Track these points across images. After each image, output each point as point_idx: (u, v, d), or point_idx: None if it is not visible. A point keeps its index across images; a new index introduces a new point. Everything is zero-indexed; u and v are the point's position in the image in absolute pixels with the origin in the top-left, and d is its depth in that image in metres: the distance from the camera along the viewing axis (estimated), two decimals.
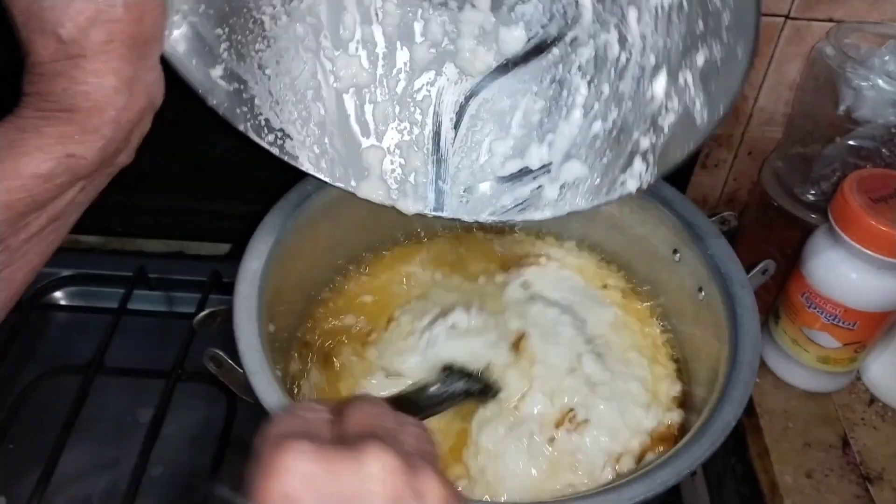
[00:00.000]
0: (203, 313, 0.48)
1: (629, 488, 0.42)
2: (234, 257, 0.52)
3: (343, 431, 0.32)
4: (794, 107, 0.69)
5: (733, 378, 0.47)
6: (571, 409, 0.54)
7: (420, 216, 0.54)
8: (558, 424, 0.54)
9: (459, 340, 0.56)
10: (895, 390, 0.66)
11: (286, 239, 0.53)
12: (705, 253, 0.55)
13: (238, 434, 0.62)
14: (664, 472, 0.42)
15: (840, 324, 0.61)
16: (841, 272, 0.59)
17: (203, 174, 0.69)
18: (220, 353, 0.45)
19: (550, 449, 0.53)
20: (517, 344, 0.58)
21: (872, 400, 0.66)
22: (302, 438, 0.30)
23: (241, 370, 0.44)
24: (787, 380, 0.67)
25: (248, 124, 0.47)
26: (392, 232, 0.65)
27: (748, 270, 0.55)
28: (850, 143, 0.62)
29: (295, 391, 0.55)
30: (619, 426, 0.53)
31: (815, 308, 0.61)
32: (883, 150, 0.61)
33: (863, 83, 0.59)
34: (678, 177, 0.73)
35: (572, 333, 0.58)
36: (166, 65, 0.43)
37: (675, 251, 0.59)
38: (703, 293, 0.56)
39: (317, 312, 0.60)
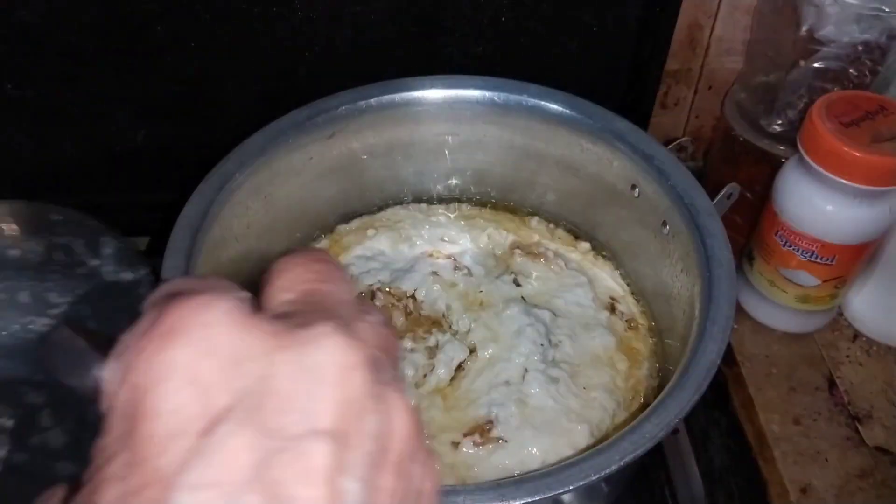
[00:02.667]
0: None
1: (616, 447, 0.39)
2: (156, 251, 0.47)
3: (273, 300, 0.22)
4: (753, 32, 0.65)
5: (711, 313, 0.43)
6: (490, 422, 0.50)
7: None
8: (468, 433, 0.50)
9: None
10: (879, 323, 0.63)
11: (212, 226, 0.48)
12: (666, 184, 0.51)
13: None
14: (650, 425, 0.39)
15: (818, 260, 0.57)
16: (815, 205, 0.55)
17: (116, 164, 0.64)
18: None
19: (452, 455, 0.48)
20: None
21: (856, 335, 0.63)
22: (221, 295, 0.20)
23: None
24: (767, 323, 0.63)
25: None
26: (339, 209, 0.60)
27: (712, 197, 0.52)
28: (816, 65, 0.58)
29: None
30: (536, 462, 0.48)
31: (790, 246, 0.58)
32: (850, 71, 0.57)
33: (823, 0, 0.55)
34: (636, 118, 0.70)
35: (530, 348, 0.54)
36: None
37: (633, 186, 0.54)
38: (667, 227, 0.52)
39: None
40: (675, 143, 0.56)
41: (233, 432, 0.18)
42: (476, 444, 0.48)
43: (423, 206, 0.63)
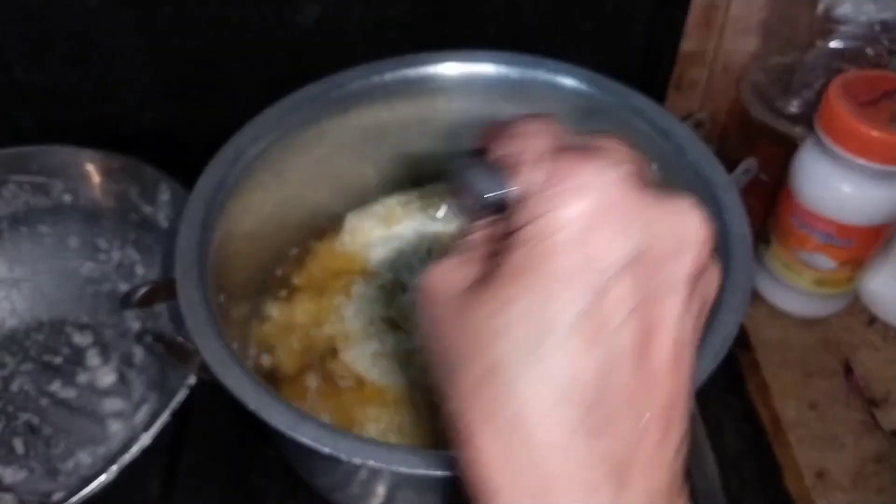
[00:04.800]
0: (145, 289, 0.43)
1: None
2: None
3: None
4: (769, 12, 0.64)
5: (729, 285, 0.43)
6: None
7: None
8: None
9: None
10: (895, 307, 0.62)
11: (227, 200, 0.48)
12: (684, 160, 0.51)
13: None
14: None
15: (834, 242, 0.56)
16: (832, 186, 0.55)
17: (124, 147, 0.64)
18: (168, 330, 0.40)
19: None
20: None
21: (872, 320, 0.63)
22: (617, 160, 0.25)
23: (192, 347, 0.39)
24: (783, 308, 0.63)
25: None
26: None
27: (729, 171, 0.51)
28: (833, 45, 0.57)
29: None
30: None
31: (806, 228, 0.57)
32: (867, 50, 0.57)
33: None
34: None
35: None
36: None
37: (650, 163, 0.54)
38: None
39: (275, 282, 0.56)
40: (691, 118, 0.55)
41: (619, 278, 0.23)
42: None
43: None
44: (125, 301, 0.43)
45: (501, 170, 0.25)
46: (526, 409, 0.23)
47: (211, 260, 0.44)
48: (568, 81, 0.54)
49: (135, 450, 0.43)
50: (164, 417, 0.44)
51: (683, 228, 0.24)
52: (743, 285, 0.43)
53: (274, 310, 0.55)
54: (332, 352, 0.54)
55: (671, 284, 0.24)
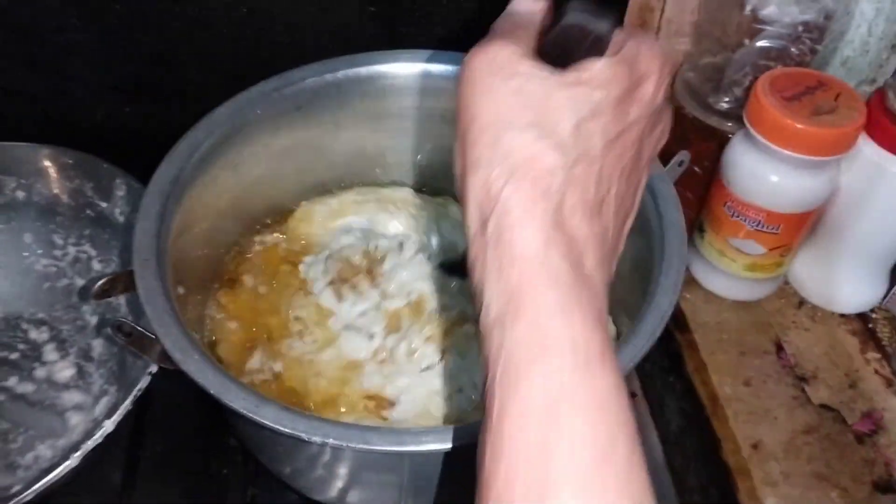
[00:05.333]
0: (101, 281, 0.44)
1: None
2: None
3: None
4: (700, 14, 0.67)
5: (664, 267, 0.46)
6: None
7: None
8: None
9: None
10: (822, 290, 0.66)
11: (183, 194, 0.49)
12: None
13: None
14: None
15: (764, 229, 0.60)
16: (761, 176, 0.58)
17: (77, 144, 0.64)
18: (128, 321, 0.41)
19: None
20: None
21: (802, 302, 0.67)
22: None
23: (153, 336, 0.40)
24: (718, 292, 0.66)
25: None
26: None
27: (664, 164, 0.55)
28: (760, 45, 0.61)
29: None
30: None
31: (738, 216, 0.61)
32: (792, 49, 0.60)
33: None
34: None
35: None
36: None
37: None
38: None
39: (228, 272, 0.57)
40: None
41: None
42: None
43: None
44: (83, 293, 0.44)
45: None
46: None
47: (168, 252, 0.45)
48: None
49: (97, 436, 0.44)
50: (126, 405, 0.45)
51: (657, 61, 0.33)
52: (676, 266, 0.46)
53: (225, 299, 0.56)
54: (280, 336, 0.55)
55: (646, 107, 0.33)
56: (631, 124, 0.32)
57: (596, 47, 0.31)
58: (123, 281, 0.44)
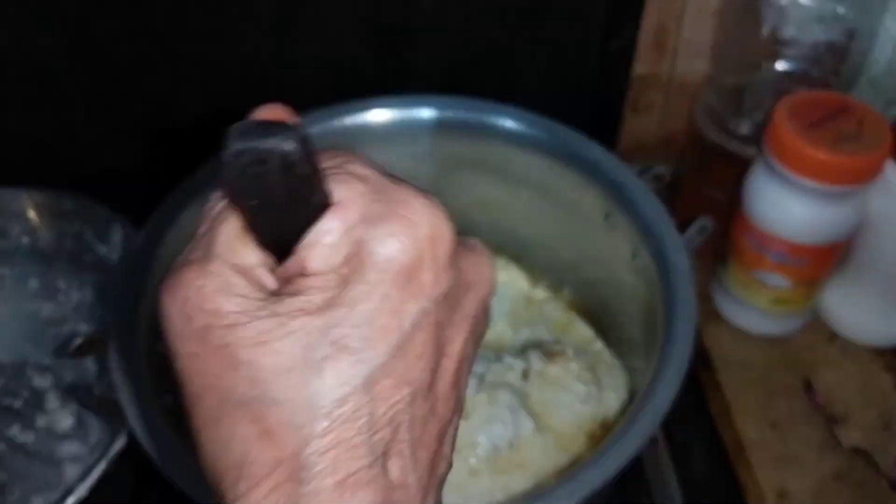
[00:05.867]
0: (78, 340, 0.43)
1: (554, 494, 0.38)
2: None
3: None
4: (719, 35, 0.64)
5: (667, 355, 0.42)
6: None
7: None
8: None
9: None
10: (856, 323, 0.62)
11: (173, 248, 0.48)
12: (636, 215, 0.50)
13: None
14: (591, 473, 0.38)
15: (789, 262, 0.57)
16: (783, 207, 0.55)
17: (86, 186, 0.64)
18: (95, 387, 0.40)
19: None
20: None
21: (833, 336, 0.63)
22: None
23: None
24: (743, 327, 0.63)
25: None
26: None
27: (685, 227, 0.50)
28: (780, 67, 0.58)
29: None
30: None
31: (761, 249, 0.57)
32: (813, 71, 0.57)
33: (783, 1, 0.55)
34: (609, 125, 0.69)
35: None
36: None
37: (606, 215, 0.54)
38: (637, 259, 0.51)
39: None
40: (649, 171, 0.55)
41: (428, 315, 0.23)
42: None
43: None
44: (59, 352, 0.43)
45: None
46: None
47: (151, 309, 0.44)
48: (515, 126, 0.54)
49: (70, 501, 0.43)
50: (100, 468, 0.44)
51: (481, 270, 0.26)
52: (681, 355, 0.42)
53: None
54: None
55: (463, 317, 0.25)
56: (409, 330, 0.22)
57: (300, 183, 0.22)
58: (101, 340, 0.43)
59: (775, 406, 0.59)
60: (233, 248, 0.23)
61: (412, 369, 0.23)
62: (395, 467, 0.22)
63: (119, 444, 0.44)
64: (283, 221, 0.23)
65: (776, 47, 0.58)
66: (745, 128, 0.62)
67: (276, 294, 0.23)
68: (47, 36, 0.59)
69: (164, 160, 0.66)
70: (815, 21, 0.55)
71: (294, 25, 0.59)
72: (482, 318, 0.26)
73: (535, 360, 0.55)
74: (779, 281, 0.58)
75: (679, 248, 0.47)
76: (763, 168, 0.56)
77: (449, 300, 0.24)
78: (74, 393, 0.47)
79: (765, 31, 0.57)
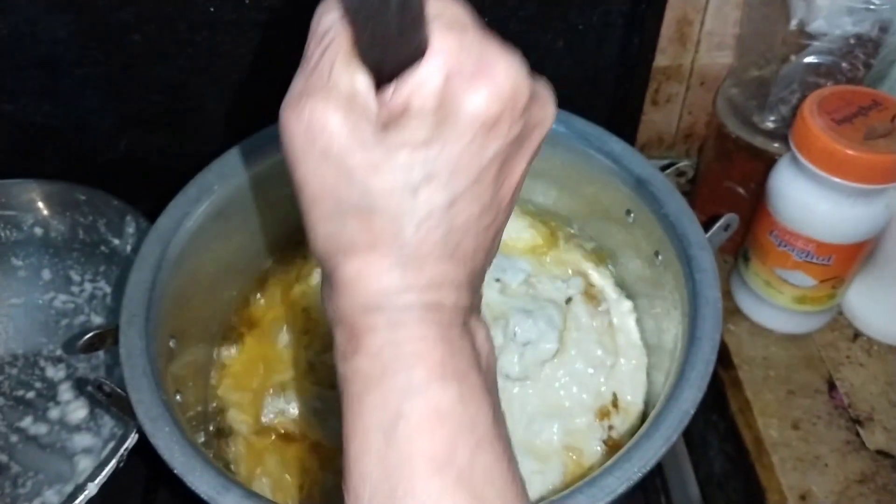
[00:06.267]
0: (88, 336, 0.42)
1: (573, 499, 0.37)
2: None
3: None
4: (743, 27, 0.63)
5: (691, 357, 0.41)
6: None
7: None
8: None
9: None
10: (880, 322, 0.61)
11: (186, 238, 0.47)
12: (659, 212, 0.49)
13: None
14: (612, 479, 0.37)
15: (814, 260, 0.55)
16: (809, 204, 0.54)
17: (99, 175, 0.63)
18: (106, 381, 0.39)
19: None
20: None
21: (856, 335, 0.62)
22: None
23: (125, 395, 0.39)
24: (764, 324, 0.62)
25: None
26: None
27: (708, 226, 0.48)
28: (807, 60, 0.56)
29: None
30: None
31: (785, 246, 0.56)
32: (843, 65, 0.56)
33: None
34: (628, 117, 0.68)
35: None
36: None
37: (628, 212, 0.53)
38: (660, 257, 0.50)
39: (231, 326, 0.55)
40: (673, 167, 0.53)
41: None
42: None
43: None
44: (69, 346, 0.43)
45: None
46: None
47: (164, 303, 0.43)
48: None
49: (80, 499, 0.42)
50: (112, 465, 0.43)
51: (546, 111, 0.30)
52: (706, 356, 0.41)
53: (229, 355, 0.54)
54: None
55: (526, 150, 0.30)
56: (486, 165, 0.28)
57: (410, 17, 0.26)
58: (112, 335, 0.42)
59: (797, 406, 0.58)
60: (347, 73, 0.27)
61: (484, 192, 0.28)
62: (460, 258, 0.29)
63: (130, 441, 0.43)
64: (387, 53, 0.26)
65: (803, 40, 0.56)
66: (769, 122, 0.60)
67: (384, 124, 0.27)
68: (60, 24, 0.58)
69: (178, 150, 0.66)
70: (845, 13, 0.54)
71: (308, 17, 0.58)
72: (538, 148, 0.31)
73: (575, 288, 0.57)
74: (803, 279, 0.57)
75: (704, 246, 0.46)
76: (789, 164, 0.55)
77: (518, 139, 0.29)
78: (85, 387, 0.47)
79: (793, 23, 0.55)
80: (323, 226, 0.28)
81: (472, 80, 0.27)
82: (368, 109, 0.27)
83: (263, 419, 0.51)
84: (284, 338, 0.54)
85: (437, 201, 0.27)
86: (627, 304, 0.57)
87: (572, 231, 0.60)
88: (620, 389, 0.53)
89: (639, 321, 0.56)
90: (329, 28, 0.28)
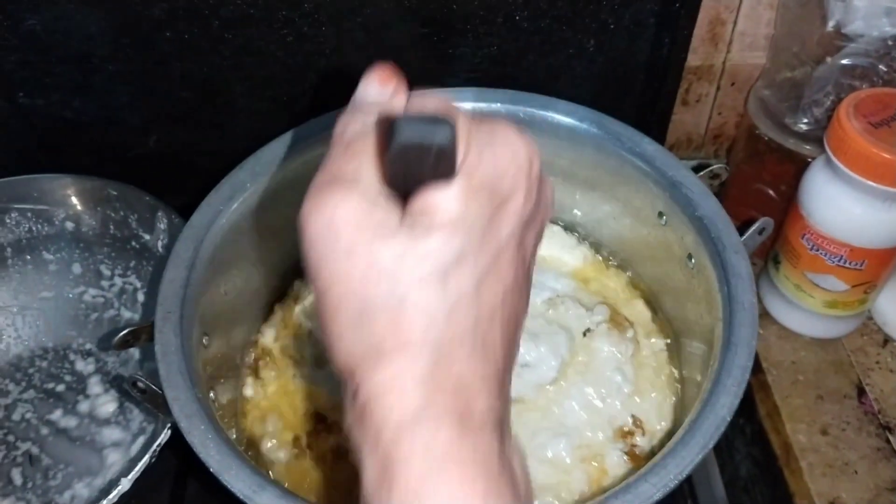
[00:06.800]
0: (123, 332, 0.43)
1: None
2: None
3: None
4: (777, 27, 0.62)
5: (727, 363, 0.41)
6: None
7: None
8: None
9: None
10: None
11: (220, 236, 0.47)
12: (693, 215, 0.49)
13: None
14: (648, 486, 0.37)
15: (846, 265, 0.55)
16: (843, 208, 0.53)
17: (129, 170, 0.64)
18: (141, 377, 0.39)
19: None
20: None
21: (886, 340, 0.61)
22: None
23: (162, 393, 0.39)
24: (793, 328, 0.61)
25: None
26: None
27: (741, 229, 0.48)
28: (843, 62, 0.56)
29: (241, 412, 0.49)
30: None
31: (817, 250, 0.55)
32: (880, 67, 0.55)
33: None
34: (656, 116, 0.68)
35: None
36: None
37: (660, 214, 0.52)
38: (693, 261, 0.49)
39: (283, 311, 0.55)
40: (707, 169, 0.53)
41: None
42: None
43: None
44: (104, 343, 0.43)
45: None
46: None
47: (198, 300, 0.43)
48: (566, 120, 0.53)
49: (113, 495, 0.43)
50: (145, 461, 0.43)
51: (547, 194, 0.31)
52: (742, 363, 0.41)
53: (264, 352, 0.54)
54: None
55: (536, 227, 0.31)
56: (504, 244, 0.28)
57: (442, 162, 0.27)
58: (147, 332, 0.42)
59: (826, 411, 0.57)
60: (370, 171, 0.27)
61: (506, 272, 0.28)
62: (489, 351, 0.28)
63: (163, 436, 0.44)
64: (416, 186, 0.27)
65: (839, 41, 0.55)
66: (802, 124, 0.59)
67: (409, 215, 0.27)
68: (93, 20, 0.58)
69: (207, 147, 0.66)
70: (883, 14, 0.53)
71: (340, 15, 0.58)
72: (542, 234, 0.32)
73: (600, 316, 0.56)
74: (834, 284, 0.56)
75: (739, 250, 0.45)
76: (823, 167, 0.54)
77: (530, 218, 0.29)
78: (120, 384, 0.47)
79: (829, 25, 0.54)
80: (348, 334, 0.27)
81: (494, 178, 0.28)
82: (391, 207, 0.27)
83: None
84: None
85: (465, 286, 0.27)
86: (661, 343, 0.56)
87: (614, 261, 0.60)
88: (645, 417, 0.52)
89: (672, 358, 0.55)
90: (355, 137, 0.29)
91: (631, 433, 0.51)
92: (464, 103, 0.53)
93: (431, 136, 0.26)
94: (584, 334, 0.55)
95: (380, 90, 0.30)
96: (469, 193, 0.27)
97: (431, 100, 0.29)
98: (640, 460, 0.49)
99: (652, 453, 0.49)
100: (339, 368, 0.28)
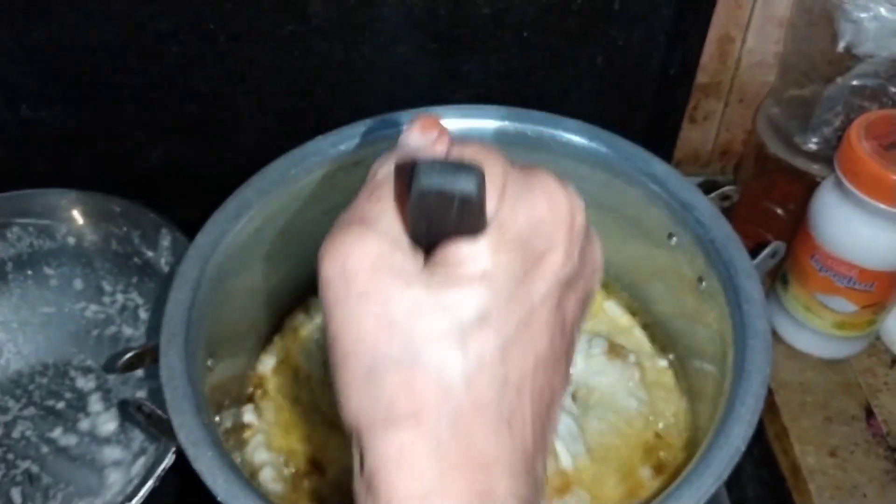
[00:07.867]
0: (128, 355, 0.42)
1: None
2: None
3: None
4: (786, 45, 0.62)
5: (741, 390, 0.40)
6: None
7: None
8: None
9: None
10: None
11: (225, 255, 0.46)
12: (704, 237, 0.48)
13: None
14: None
15: (856, 286, 0.54)
16: (853, 229, 0.53)
17: (133, 183, 0.63)
18: (146, 402, 0.39)
19: None
20: None
21: (894, 361, 0.61)
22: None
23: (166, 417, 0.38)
24: (801, 349, 0.61)
25: None
26: None
27: (754, 253, 0.47)
28: (853, 82, 0.55)
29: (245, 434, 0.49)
30: None
31: (826, 271, 0.55)
32: (890, 88, 0.55)
33: (862, 14, 0.52)
34: (664, 132, 0.67)
35: None
36: None
37: (670, 235, 0.51)
38: (703, 284, 0.48)
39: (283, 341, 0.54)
40: (718, 191, 0.52)
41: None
42: None
43: None
44: (109, 366, 0.42)
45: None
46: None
47: (203, 322, 0.42)
48: (574, 139, 0.52)
49: None
50: (149, 486, 0.43)
51: (595, 257, 0.29)
52: (756, 390, 0.40)
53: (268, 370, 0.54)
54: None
55: (578, 295, 0.28)
56: (537, 306, 0.25)
57: (468, 213, 0.24)
58: (151, 354, 0.42)
59: (834, 433, 0.57)
60: (393, 220, 0.26)
61: (538, 339, 0.25)
62: (516, 428, 0.25)
63: (168, 460, 0.43)
64: (439, 238, 0.25)
65: (849, 61, 0.55)
66: (811, 143, 0.59)
67: (429, 265, 0.25)
68: (98, 33, 0.57)
69: (211, 161, 0.65)
70: (893, 35, 0.53)
71: (348, 30, 0.58)
72: (592, 297, 0.29)
73: (597, 348, 0.54)
74: (843, 305, 0.56)
75: (751, 274, 0.45)
76: (833, 188, 0.54)
77: (572, 280, 0.27)
78: (122, 406, 0.46)
79: (840, 46, 0.54)
80: (357, 388, 0.25)
81: (527, 198, 0.26)
82: (411, 257, 0.25)
83: None
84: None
85: (488, 350, 0.24)
86: (663, 363, 0.55)
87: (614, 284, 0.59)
88: (666, 431, 0.52)
89: (676, 375, 0.54)
90: (385, 180, 0.27)
91: (654, 447, 0.51)
92: (470, 119, 0.52)
93: (453, 183, 0.24)
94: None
95: (420, 138, 0.27)
96: (499, 247, 0.25)
97: (470, 147, 0.26)
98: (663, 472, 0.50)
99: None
100: (346, 424, 0.25)
